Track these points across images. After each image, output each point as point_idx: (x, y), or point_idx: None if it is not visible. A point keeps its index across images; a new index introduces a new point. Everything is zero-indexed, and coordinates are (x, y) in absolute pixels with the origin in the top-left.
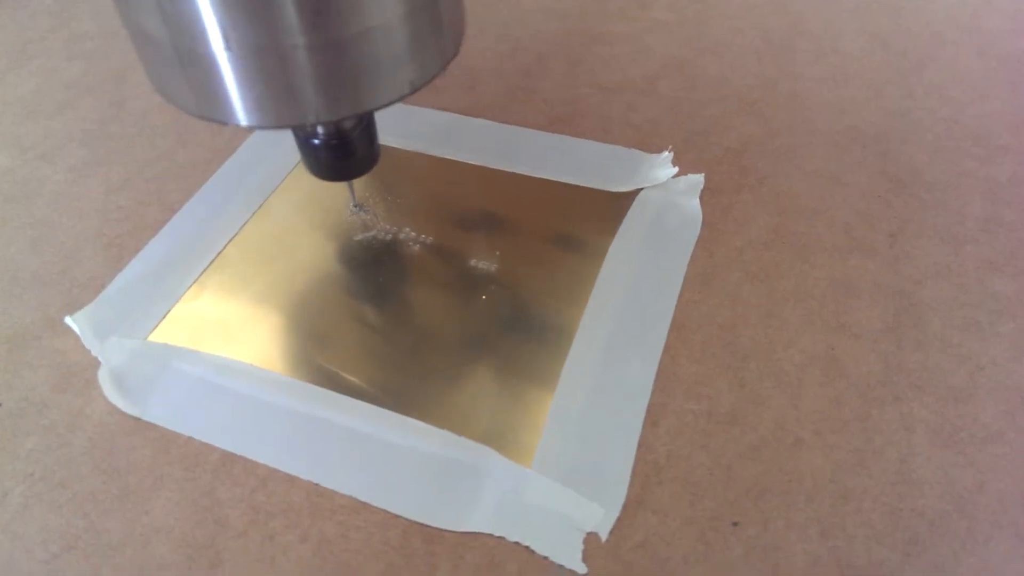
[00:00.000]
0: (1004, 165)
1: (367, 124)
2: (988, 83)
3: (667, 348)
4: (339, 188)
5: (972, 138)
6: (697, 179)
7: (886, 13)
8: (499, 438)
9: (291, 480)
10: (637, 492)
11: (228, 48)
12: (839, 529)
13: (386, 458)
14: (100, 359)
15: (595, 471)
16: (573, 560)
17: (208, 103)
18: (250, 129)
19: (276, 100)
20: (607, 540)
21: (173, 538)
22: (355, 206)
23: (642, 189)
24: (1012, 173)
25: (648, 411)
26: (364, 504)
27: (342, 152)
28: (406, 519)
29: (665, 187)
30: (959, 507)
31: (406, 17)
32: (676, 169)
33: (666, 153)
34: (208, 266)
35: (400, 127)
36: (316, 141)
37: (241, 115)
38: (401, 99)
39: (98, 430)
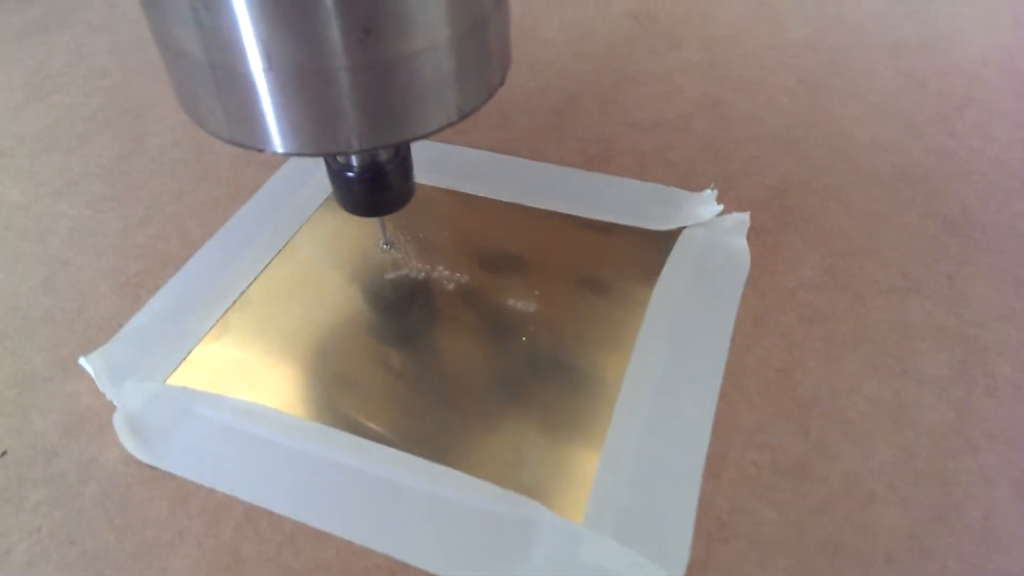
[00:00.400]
0: None
1: (403, 158)
2: None
3: (722, 394)
4: (367, 226)
5: (1021, 178)
6: (743, 217)
7: (921, 54)
8: (545, 491)
9: (321, 536)
10: (700, 552)
11: (269, 68)
12: None
13: (424, 512)
14: (115, 403)
15: (653, 528)
16: None
17: (242, 128)
18: (286, 156)
19: (316, 125)
20: None
21: None
22: (386, 244)
23: (684, 228)
24: None
25: (707, 461)
26: (402, 564)
27: (377, 186)
28: None
29: (709, 226)
30: None
31: (455, 41)
32: (721, 207)
33: (710, 191)
34: (231, 306)
35: (431, 164)
36: (351, 174)
37: (277, 141)
38: (447, 127)
39: (112, 480)
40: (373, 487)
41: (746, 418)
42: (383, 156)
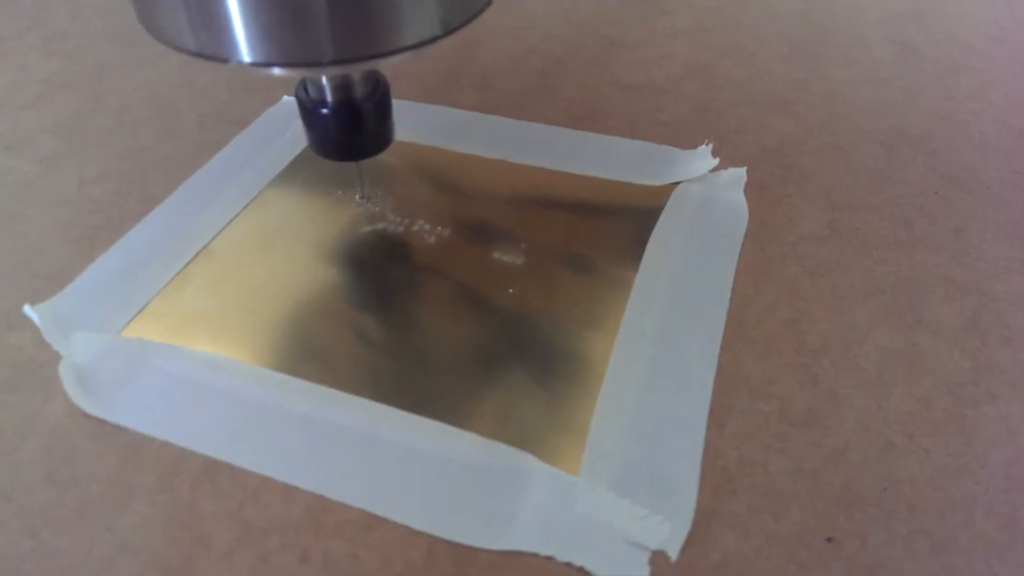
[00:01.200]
0: None
1: (382, 94)
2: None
3: (725, 346)
4: (343, 179)
5: (1023, 138)
6: (739, 172)
7: (912, 23)
8: (537, 443)
9: (288, 491)
10: (708, 503)
11: None
12: (952, 543)
13: (404, 465)
14: (63, 354)
15: (655, 479)
16: None
17: (209, 37)
18: (255, 67)
19: (288, 30)
20: (678, 560)
21: (142, 560)
22: (362, 196)
23: (679, 184)
24: None
25: (712, 413)
26: (379, 519)
27: (353, 124)
28: (431, 535)
29: (704, 181)
30: None
31: None
32: (716, 161)
33: (704, 147)
34: (193, 258)
35: (412, 123)
36: (325, 110)
37: (245, 50)
38: (430, 42)
39: (55, 434)
40: (347, 439)
41: (752, 369)
42: (359, 91)
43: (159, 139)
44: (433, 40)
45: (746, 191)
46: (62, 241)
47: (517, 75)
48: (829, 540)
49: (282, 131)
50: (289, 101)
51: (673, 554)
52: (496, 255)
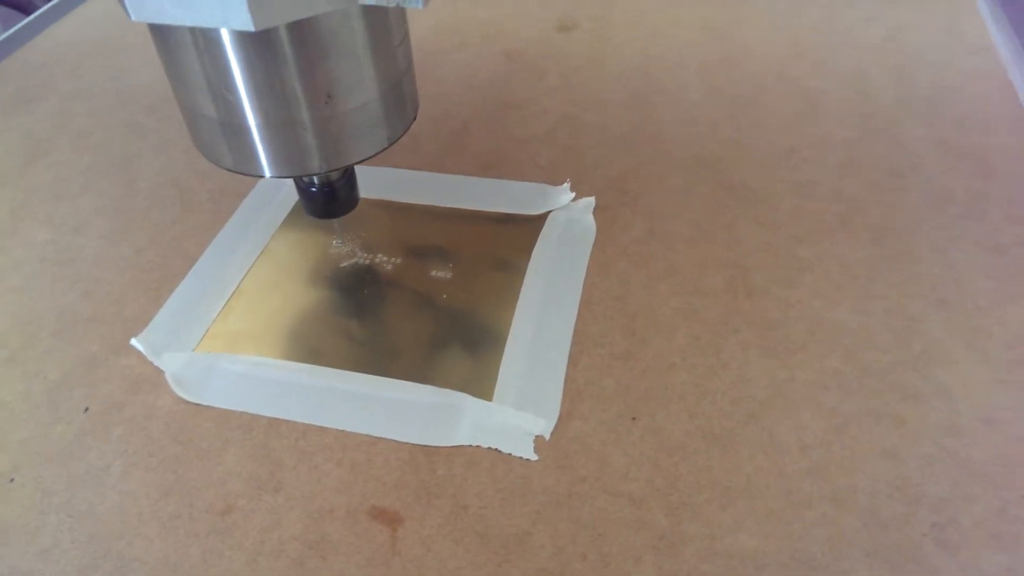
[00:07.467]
0: (804, 171)
1: (350, 175)
2: (794, 114)
3: (579, 316)
4: (323, 231)
5: (783, 154)
6: (590, 201)
7: (721, 68)
8: (469, 386)
9: (323, 430)
10: (567, 408)
11: (265, 124)
12: (701, 413)
13: (391, 408)
14: (162, 368)
15: (538, 399)
16: (527, 452)
17: (245, 161)
18: (273, 178)
19: (295, 156)
20: (550, 439)
21: (243, 477)
22: (338, 241)
23: (551, 212)
24: (809, 177)
25: (570, 357)
26: (379, 438)
27: (332, 196)
28: (410, 443)
29: (567, 208)
30: (778, 391)
31: (383, 95)
32: (573, 194)
33: (566, 184)
34: (231, 296)
35: (366, 183)
36: (314, 188)
37: (267, 169)
38: (380, 152)
39: (170, 415)
40: (354, 397)
41: (594, 328)
42: (335, 176)
43: (184, 212)
44: (382, 151)
45: (595, 212)
46: (135, 294)
47: (437, 138)
48: (633, 419)
49: (272, 198)
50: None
51: (547, 436)
52: (433, 272)
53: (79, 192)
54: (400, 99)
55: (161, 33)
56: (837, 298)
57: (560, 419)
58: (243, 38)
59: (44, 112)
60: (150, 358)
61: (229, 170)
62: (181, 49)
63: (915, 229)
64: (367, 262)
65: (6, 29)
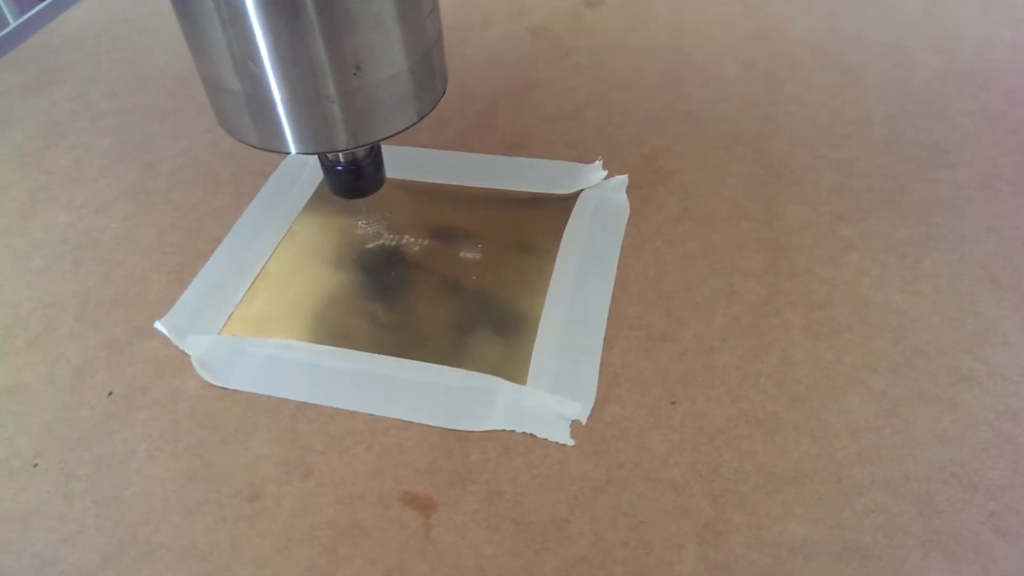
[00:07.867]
0: (846, 148)
1: (376, 153)
2: (832, 89)
3: (614, 297)
4: (348, 212)
5: (823, 130)
6: (622, 179)
7: (755, 43)
8: (502, 370)
9: (352, 414)
10: (603, 392)
11: (293, 98)
12: (744, 396)
13: (421, 392)
14: (186, 351)
15: (573, 383)
16: (563, 437)
17: (271, 138)
18: (299, 154)
19: (322, 132)
20: (586, 423)
21: (271, 462)
22: (364, 222)
23: (582, 190)
24: (853, 153)
25: (605, 340)
26: (410, 423)
27: (358, 174)
28: (442, 428)
29: (599, 187)
30: (824, 374)
31: (412, 68)
32: (606, 172)
33: (598, 162)
34: (255, 278)
35: (393, 163)
36: (339, 167)
37: (293, 145)
38: (409, 127)
39: (195, 400)
40: (383, 380)
41: (629, 310)
42: (361, 153)
43: (206, 194)
44: (411, 126)
45: (628, 191)
46: (158, 276)
47: (463, 116)
48: (672, 403)
49: (296, 178)
50: (296, 156)
51: (583, 420)
52: (462, 254)
53: (99, 175)
54: (429, 72)
55: (183, 3)
56: (884, 278)
57: (596, 403)
58: (268, 6)
59: (63, 95)
60: (175, 341)
61: (254, 147)
62: (204, 19)
63: (964, 206)
64: (393, 243)
65: (24, 13)
